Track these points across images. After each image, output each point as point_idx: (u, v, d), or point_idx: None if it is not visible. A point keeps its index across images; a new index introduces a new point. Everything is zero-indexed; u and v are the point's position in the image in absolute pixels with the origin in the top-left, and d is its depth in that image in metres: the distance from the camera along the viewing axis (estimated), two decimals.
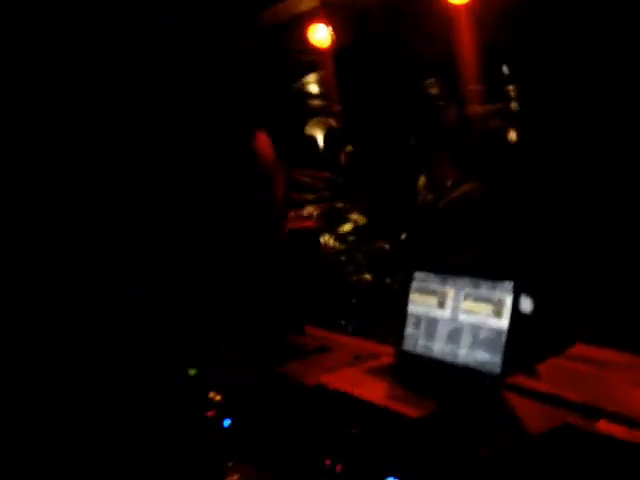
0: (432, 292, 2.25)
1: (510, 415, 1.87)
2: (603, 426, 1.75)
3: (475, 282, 2.13)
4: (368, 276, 4.38)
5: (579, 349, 1.95)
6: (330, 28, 4.86)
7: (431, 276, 2.27)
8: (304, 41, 5.55)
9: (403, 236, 4.24)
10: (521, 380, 1.89)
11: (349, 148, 4.97)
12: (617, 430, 1.76)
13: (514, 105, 5.78)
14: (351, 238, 4.50)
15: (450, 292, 2.19)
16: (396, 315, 3.64)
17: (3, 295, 1.30)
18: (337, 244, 4.47)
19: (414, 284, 2.32)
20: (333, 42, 5.08)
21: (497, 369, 1.99)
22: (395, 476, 1.85)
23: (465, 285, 2.16)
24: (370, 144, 4.93)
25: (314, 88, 7.30)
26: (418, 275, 2.31)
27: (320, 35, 5.07)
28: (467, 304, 2.13)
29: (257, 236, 2.88)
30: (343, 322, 3.88)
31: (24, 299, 1.30)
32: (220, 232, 2.60)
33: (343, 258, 4.46)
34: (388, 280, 4.32)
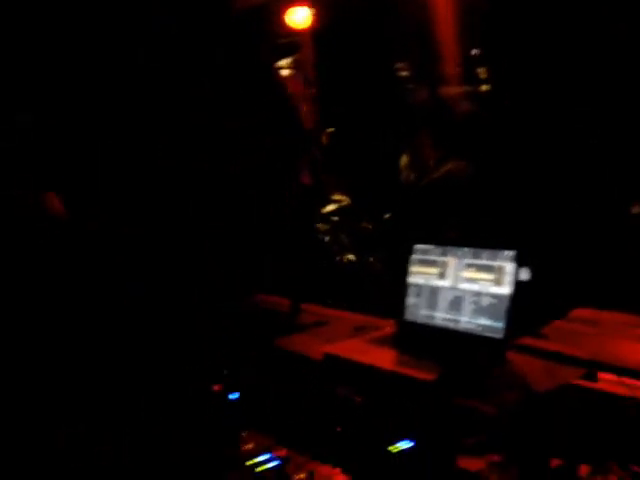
0: (433, 263, 2.31)
1: (516, 375, 1.95)
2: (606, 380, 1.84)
3: (475, 252, 2.20)
4: (352, 256, 4.45)
5: (580, 312, 2.04)
6: (309, 10, 4.89)
7: (431, 248, 2.33)
8: (278, 24, 5.57)
9: (386, 216, 4.31)
10: (527, 341, 1.97)
11: (330, 129, 5.02)
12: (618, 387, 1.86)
13: (484, 87, 5.87)
14: (334, 218, 4.55)
15: (451, 262, 2.26)
16: (381, 292, 3.72)
17: (3, 296, 1.32)
18: (321, 224, 4.52)
19: (414, 256, 2.39)
20: (309, 25, 5.11)
21: (500, 334, 2.06)
22: (408, 439, 1.92)
23: (465, 255, 2.23)
24: (350, 126, 4.98)
25: (286, 72, 7.32)
26: (418, 247, 2.38)
27: (298, 17, 5.09)
28: (468, 273, 2.20)
29: (257, 235, 2.92)
30: (330, 301, 3.93)
31: (24, 299, 1.32)
32: (220, 232, 2.64)
33: (327, 238, 4.52)
34: (371, 259, 4.39)
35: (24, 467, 1.26)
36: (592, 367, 1.83)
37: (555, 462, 1.73)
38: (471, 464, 1.80)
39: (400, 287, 2.45)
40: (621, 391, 1.85)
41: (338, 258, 4.44)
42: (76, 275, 1.31)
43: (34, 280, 1.29)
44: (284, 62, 7.10)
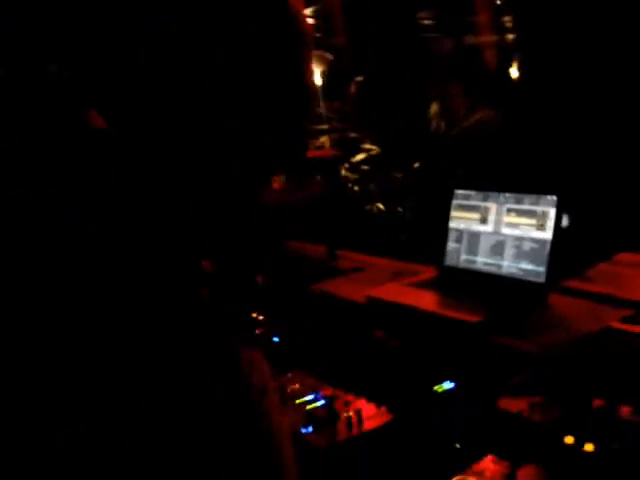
0: (474, 208, 2.33)
1: (558, 317, 1.97)
2: None
3: (517, 197, 2.21)
4: (381, 205, 4.46)
5: (624, 256, 2.06)
6: None
7: (472, 193, 2.35)
8: None
9: (416, 165, 4.31)
10: (570, 283, 1.99)
11: (359, 78, 4.99)
12: None
13: (510, 36, 5.81)
14: (364, 167, 4.55)
15: (492, 207, 2.27)
16: (411, 240, 3.74)
17: (3, 295, 1.32)
18: (350, 174, 4.53)
19: (455, 201, 2.40)
20: None
21: (542, 278, 2.08)
22: (452, 379, 1.96)
23: (507, 200, 2.24)
24: (378, 75, 4.96)
25: (309, 21, 7.25)
26: (459, 192, 2.39)
27: None
28: (510, 218, 2.21)
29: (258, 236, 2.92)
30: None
31: (23, 299, 1.32)
32: (220, 232, 2.64)
33: (356, 188, 4.53)
34: (400, 209, 4.41)
35: (23, 467, 1.29)
36: (636, 308, 1.86)
37: (597, 403, 1.76)
38: (513, 405, 1.84)
39: (438, 233, 2.47)
40: None
41: (368, 207, 4.46)
42: (76, 275, 1.33)
43: (33, 280, 1.30)
44: (307, 11, 7.04)
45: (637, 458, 1.57)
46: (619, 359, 1.87)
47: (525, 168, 2.80)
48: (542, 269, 2.09)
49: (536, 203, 2.15)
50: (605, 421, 1.72)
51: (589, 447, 1.61)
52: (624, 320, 1.97)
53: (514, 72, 5.09)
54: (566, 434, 1.67)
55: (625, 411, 1.75)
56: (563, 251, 2.04)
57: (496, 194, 2.27)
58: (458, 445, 1.75)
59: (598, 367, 1.87)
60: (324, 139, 4.53)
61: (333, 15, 5.99)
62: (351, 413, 1.83)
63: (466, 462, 1.69)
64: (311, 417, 1.84)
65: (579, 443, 1.62)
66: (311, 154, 3.95)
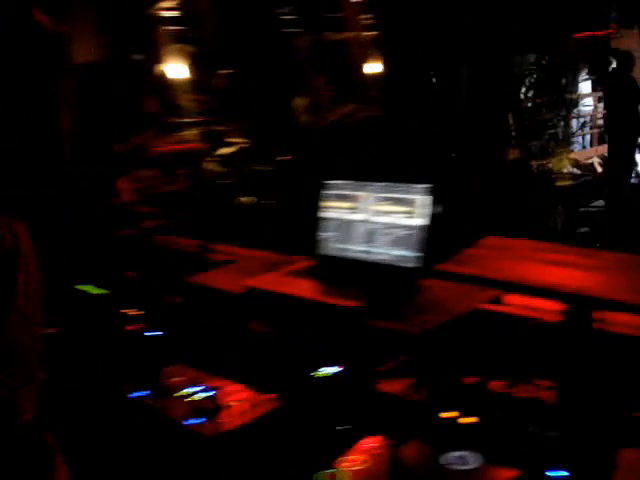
0: (346, 197, 2.38)
1: (430, 300, 2.06)
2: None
3: (388, 186, 2.28)
4: (247, 198, 4.47)
5: (490, 240, 2.17)
6: None
7: (343, 183, 2.40)
8: None
9: (283, 157, 4.35)
10: (440, 267, 2.08)
11: (224, 71, 4.97)
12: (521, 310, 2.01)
13: (371, 33, 5.95)
14: (230, 161, 4.55)
15: (363, 196, 2.33)
16: (279, 231, 3.78)
17: None
18: (217, 167, 4.51)
19: (326, 191, 2.44)
20: None
21: (413, 263, 2.16)
22: (332, 365, 2.00)
23: (378, 190, 2.31)
24: (244, 68, 4.96)
25: (168, 14, 7.14)
26: (330, 183, 2.44)
27: None
28: (381, 207, 2.28)
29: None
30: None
31: None
32: None
33: (222, 182, 4.51)
34: (266, 202, 4.44)
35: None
36: (502, 288, 1.97)
37: (468, 380, 1.85)
38: (390, 387, 1.90)
39: (310, 223, 2.50)
40: (523, 313, 2.01)
41: (234, 200, 4.46)
42: None
43: None
44: (167, 3, 6.91)
45: (507, 426, 1.66)
46: (487, 339, 1.98)
47: (395, 158, 2.89)
48: (413, 254, 2.17)
49: (406, 191, 2.22)
50: (477, 395, 1.81)
51: (466, 420, 1.69)
52: (490, 301, 2.09)
53: (375, 67, 5.25)
54: (443, 410, 1.74)
55: (495, 385, 1.85)
56: (433, 237, 2.12)
57: (366, 183, 2.33)
58: (339, 427, 1.78)
59: (468, 347, 1.97)
60: (192, 132, 4.48)
61: (199, 9, 5.92)
62: (236, 403, 1.83)
63: (350, 443, 1.73)
64: (196, 409, 1.83)
65: (455, 417, 1.69)
66: (174, 147, 3.91)
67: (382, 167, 2.79)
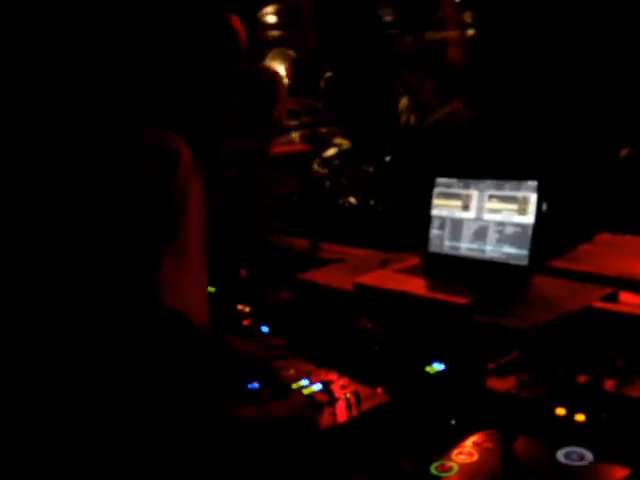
0: (456, 196, 2.40)
1: (542, 297, 2.05)
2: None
3: (498, 183, 2.29)
4: (353, 199, 4.53)
5: (604, 236, 2.14)
6: None
7: (454, 181, 2.42)
8: None
9: (387, 158, 4.38)
10: (553, 264, 2.07)
11: (328, 74, 5.05)
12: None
13: (470, 32, 5.91)
14: (335, 162, 4.61)
15: (474, 194, 2.35)
16: (384, 232, 3.81)
17: None
18: (321, 169, 4.58)
19: (436, 189, 2.47)
20: None
21: (525, 261, 2.16)
22: (441, 361, 2.02)
23: (488, 187, 2.32)
24: (347, 70, 5.02)
25: (272, 19, 7.31)
26: (440, 180, 2.46)
27: None
28: (491, 204, 2.29)
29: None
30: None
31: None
32: None
33: (328, 183, 4.59)
34: (372, 202, 4.48)
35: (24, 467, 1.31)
36: (616, 285, 1.94)
37: (582, 378, 1.84)
38: (500, 384, 1.91)
39: (420, 221, 2.53)
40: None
41: (340, 201, 4.52)
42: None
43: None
44: (270, 9, 7.07)
45: (620, 426, 1.65)
46: (601, 336, 1.96)
47: (504, 155, 2.89)
48: (525, 252, 2.17)
49: (517, 189, 2.23)
50: (591, 394, 1.80)
51: (580, 417, 1.68)
52: (604, 299, 2.07)
53: (479, 65, 5.20)
54: (554, 407, 1.74)
55: (608, 384, 1.83)
56: (545, 234, 2.12)
57: (477, 181, 2.35)
58: (453, 422, 1.80)
59: (582, 344, 1.95)
60: (294, 135, 4.58)
61: (300, 13, 6.04)
62: (349, 395, 1.88)
63: (460, 437, 1.75)
64: (311, 401, 1.88)
65: (570, 414, 1.69)
66: (282, 149, 4.00)
67: (491, 164, 2.79)
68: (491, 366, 1.98)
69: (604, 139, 3.34)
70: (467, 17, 6.10)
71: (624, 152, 4.12)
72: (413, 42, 5.25)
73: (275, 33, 7.01)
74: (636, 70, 3.75)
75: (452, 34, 5.81)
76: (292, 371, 2.12)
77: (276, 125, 3.40)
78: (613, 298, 2.04)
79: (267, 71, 3.67)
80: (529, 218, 2.17)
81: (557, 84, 3.40)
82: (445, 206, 2.43)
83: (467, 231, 2.34)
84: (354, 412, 1.84)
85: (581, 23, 3.79)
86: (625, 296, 2.05)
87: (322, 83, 5.08)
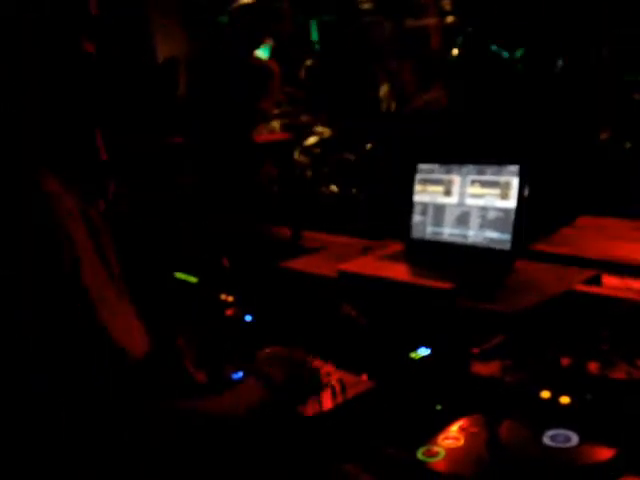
0: (438, 181, 2.39)
1: (526, 281, 2.05)
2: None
3: (480, 168, 2.28)
4: (334, 187, 4.52)
5: (585, 219, 2.15)
6: None
7: (436, 166, 2.41)
8: None
9: (368, 146, 4.38)
10: (535, 247, 2.07)
11: (308, 62, 5.03)
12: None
13: (450, 19, 5.91)
14: (316, 151, 4.60)
15: (456, 179, 2.34)
16: (366, 220, 3.81)
17: None
18: (303, 158, 4.57)
19: (418, 175, 2.46)
20: None
21: (508, 245, 2.16)
22: (427, 346, 2.02)
23: (470, 172, 2.31)
24: (326, 58, 5.00)
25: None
26: (422, 167, 2.45)
27: None
28: (473, 189, 2.28)
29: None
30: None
31: None
32: None
33: (309, 172, 4.57)
34: (354, 190, 4.47)
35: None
36: (600, 268, 1.95)
37: (566, 361, 1.84)
38: (485, 369, 1.91)
39: (402, 207, 2.53)
40: (623, 294, 1.98)
41: (322, 190, 4.51)
42: None
43: None
44: None
45: (605, 408, 1.65)
46: (584, 319, 1.96)
47: (485, 140, 2.88)
48: (507, 237, 2.17)
49: (499, 173, 2.22)
50: (575, 376, 1.81)
51: (565, 400, 1.69)
52: (587, 282, 2.07)
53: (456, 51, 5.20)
54: (538, 390, 1.74)
55: (592, 366, 1.83)
56: (527, 218, 2.12)
57: (459, 166, 2.34)
58: (438, 407, 1.80)
59: (565, 327, 1.96)
60: (275, 123, 4.56)
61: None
62: (334, 382, 1.87)
63: (445, 422, 1.75)
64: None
65: (555, 397, 1.69)
66: (263, 138, 3.98)
67: (473, 149, 2.79)
68: (475, 351, 1.98)
69: (584, 122, 3.35)
70: (446, 4, 6.09)
71: (604, 135, 4.14)
72: (393, 29, 5.24)
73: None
74: (615, 55, 3.76)
75: (432, 21, 5.80)
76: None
77: (265, 115, 3.39)
78: (596, 281, 2.04)
79: (262, 62, 3.65)
80: (511, 202, 2.17)
81: (537, 69, 3.41)
82: (427, 192, 2.42)
83: (449, 216, 2.34)
84: (339, 399, 1.83)
85: (561, 8, 3.80)
86: (608, 279, 2.05)
87: (302, 71, 5.05)
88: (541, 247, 2.06)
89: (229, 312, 2.52)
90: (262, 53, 4.83)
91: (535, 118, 3.27)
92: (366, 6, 5.96)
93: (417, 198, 2.45)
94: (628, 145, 4.42)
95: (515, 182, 2.17)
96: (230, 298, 2.62)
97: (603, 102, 3.63)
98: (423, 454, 1.50)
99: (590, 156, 3.17)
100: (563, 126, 3.26)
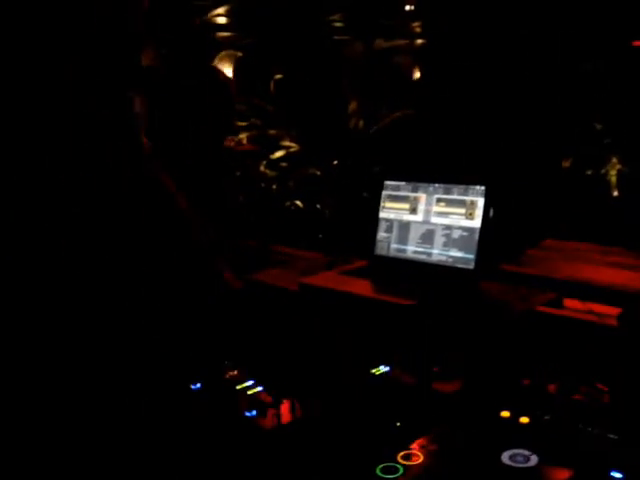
0: (404, 198, 2.40)
1: (489, 300, 2.06)
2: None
3: (447, 187, 2.29)
4: (299, 202, 4.51)
5: (551, 242, 2.17)
6: None
7: (402, 184, 2.42)
8: None
9: (334, 162, 4.38)
10: (500, 268, 2.09)
11: (278, 76, 5.03)
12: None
13: (419, 41, 5.97)
14: (283, 165, 4.59)
15: (422, 197, 2.35)
16: (331, 236, 3.81)
17: None
18: (269, 171, 4.56)
19: (385, 192, 2.46)
20: None
21: (471, 265, 2.17)
22: (386, 364, 2.02)
23: (437, 191, 2.32)
24: (295, 73, 5.01)
25: (222, 20, 7.26)
26: (389, 183, 2.46)
27: None
28: (439, 208, 2.29)
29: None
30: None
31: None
32: None
33: (274, 186, 4.56)
34: (318, 205, 4.47)
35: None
36: (562, 289, 1.96)
37: (526, 381, 1.85)
38: (445, 387, 1.91)
39: (368, 223, 2.53)
40: (583, 316, 2.00)
41: (287, 204, 4.50)
42: None
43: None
44: (221, 10, 7.02)
45: (567, 428, 1.66)
46: (545, 341, 1.98)
47: (453, 160, 2.90)
48: (471, 256, 2.17)
49: (465, 193, 2.23)
50: (534, 397, 1.81)
51: (524, 420, 1.69)
52: (549, 304, 2.09)
53: (424, 74, 5.25)
54: (498, 410, 1.74)
55: (552, 388, 1.85)
56: (492, 239, 2.13)
57: (425, 185, 2.35)
58: (398, 424, 1.79)
59: (526, 348, 1.97)
60: (242, 136, 4.54)
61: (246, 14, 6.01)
62: (291, 397, 1.85)
63: (405, 440, 1.74)
64: (254, 401, 1.86)
65: (514, 417, 1.70)
66: (231, 147, 3.96)
67: (440, 168, 2.80)
68: (436, 369, 1.98)
69: (549, 150, 3.40)
70: (416, 27, 6.15)
71: (566, 163, 4.21)
72: (362, 49, 5.27)
73: (225, 34, 6.97)
74: (580, 85, 3.82)
75: (401, 42, 5.86)
76: (236, 372, 2.08)
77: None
78: (558, 303, 2.06)
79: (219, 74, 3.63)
80: (476, 222, 2.18)
81: (505, 93, 3.45)
82: (393, 209, 2.42)
83: (414, 234, 2.34)
84: (298, 413, 1.81)
85: (529, 34, 3.84)
86: (569, 301, 2.07)
87: (272, 85, 5.05)
88: (506, 268, 2.07)
89: None
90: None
91: (502, 141, 3.31)
92: (337, 24, 5.99)
93: (383, 215, 2.45)
94: (589, 172, 4.51)
95: (481, 202, 2.18)
96: None
97: (564, 131, 3.69)
98: (382, 471, 1.49)
99: (554, 182, 3.22)
100: (528, 152, 3.31)
